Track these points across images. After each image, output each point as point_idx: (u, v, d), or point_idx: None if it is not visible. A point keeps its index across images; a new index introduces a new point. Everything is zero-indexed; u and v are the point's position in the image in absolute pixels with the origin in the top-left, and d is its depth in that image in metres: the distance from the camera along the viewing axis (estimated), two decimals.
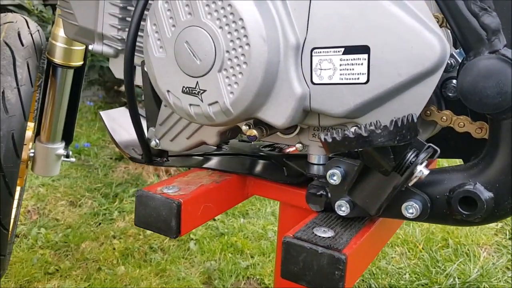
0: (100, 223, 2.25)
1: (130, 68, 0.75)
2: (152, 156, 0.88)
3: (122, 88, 3.00)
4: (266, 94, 0.63)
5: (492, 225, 2.25)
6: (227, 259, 1.91)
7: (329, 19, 0.60)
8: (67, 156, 1.46)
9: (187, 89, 0.65)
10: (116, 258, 1.96)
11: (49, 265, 1.87)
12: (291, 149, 0.98)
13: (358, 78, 0.60)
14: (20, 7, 3.45)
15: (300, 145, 0.78)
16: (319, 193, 0.67)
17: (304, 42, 0.62)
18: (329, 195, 0.65)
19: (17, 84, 1.17)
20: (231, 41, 0.61)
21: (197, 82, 0.64)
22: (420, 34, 0.57)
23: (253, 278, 1.79)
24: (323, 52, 0.61)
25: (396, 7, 0.58)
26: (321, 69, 0.62)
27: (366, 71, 0.60)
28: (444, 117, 0.65)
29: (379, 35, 0.58)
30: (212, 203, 0.77)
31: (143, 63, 0.86)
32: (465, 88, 0.55)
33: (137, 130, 0.82)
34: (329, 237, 0.61)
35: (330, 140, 0.48)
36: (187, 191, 0.74)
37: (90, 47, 0.91)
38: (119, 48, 0.89)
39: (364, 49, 0.59)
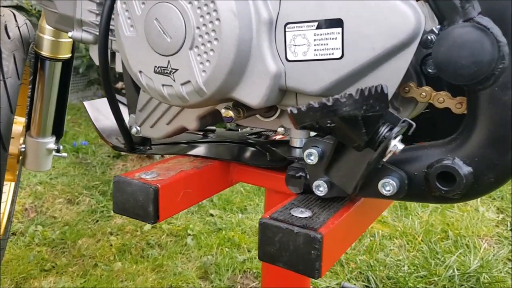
0: (97, 220, 2.25)
1: (105, 53, 0.73)
2: (134, 144, 0.87)
3: (118, 85, 2.99)
4: (239, 72, 0.61)
5: (493, 216, 2.23)
6: (224, 253, 1.90)
7: None
8: (58, 150, 1.45)
9: (159, 68, 0.64)
10: (113, 254, 1.95)
11: (45, 262, 1.87)
12: (277, 137, 0.96)
13: (333, 54, 0.59)
14: (19, 8, 3.45)
15: (282, 129, 0.76)
16: (298, 174, 0.65)
17: (277, 17, 0.60)
18: (308, 176, 0.64)
19: (3, 77, 1.16)
20: (201, 16, 0.59)
21: (169, 61, 0.63)
22: (394, 5, 0.55)
23: (249, 272, 1.77)
24: (296, 27, 0.60)
25: None
26: (295, 45, 0.60)
27: (340, 46, 0.58)
28: (424, 93, 0.63)
29: (352, 7, 0.57)
30: (193, 189, 0.76)
31: None
32: (439, 59, 0.53)
33: (117, 117, 0.81)
34: (305, 217, 0.59)
35: (295, 111, 0.46)
36: (165, 176, 0.72)
37: (69, 34, 0.90)
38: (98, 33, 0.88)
39: (337, 23, 0.57)
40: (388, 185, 0.57)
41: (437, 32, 0.67)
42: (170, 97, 0.65)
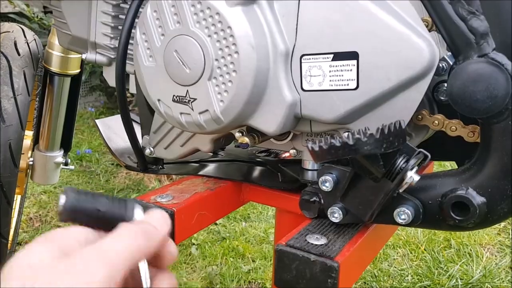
0: None
1: (122, 77, 0.75)
2: (147, 163, 0.88)
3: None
4: (256, 101, 0.62)
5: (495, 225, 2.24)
6: (229, 263, 1.91)
7: (317, 26, 0.60)
8: (66, 164, 1.46)
9: (178, 97, 0.65)
10: None
11: None
12: (286, 154, 0.98)
13: (348, 84, 0.60)
14: (21, 15, 3.46)
15: (294, 151, 0.77)
16: (312, 199, 0.67)
17: (293, 49, 0.62)
18: (322, 201, 0.65)
19: (14, 94, 1.17)
20: (220, 49, 0.61)
21: (187, 90, 0.64)
22: (408, 38, 0.57)
23: (254, 282, 1.78)
24: (312, 58, 0.61)
25: (384, 12, 0.58)
26: (311, 76, 0.61)
27: (355, 77, 0.59)
28: (436, 121, 0.64)
29: (367, 40, 0.58)
30: (207, 210, 0.77)
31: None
32: (454, 92, 0.54)
33: (131, 138, 0.82)
34: (321, 245, 0.60)
35: (317, 149, 0.47)
36: (180, 199, 0.74)
37: (83, 56, 0.91)
38: (112, 56, 0.89)
39: (352, 55, 0.59)
40: (403, 214, 0.59)
41: (448, 60, 0.69)
42: (188, 124, 0.66)
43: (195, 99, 0.64)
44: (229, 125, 0.64)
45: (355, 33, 0.58)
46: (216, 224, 2.29)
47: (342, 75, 0.60)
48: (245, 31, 0.59)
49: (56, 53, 1.30)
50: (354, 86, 0.60)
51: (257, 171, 0.86)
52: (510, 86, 0.52)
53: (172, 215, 0.70)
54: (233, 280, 1.78)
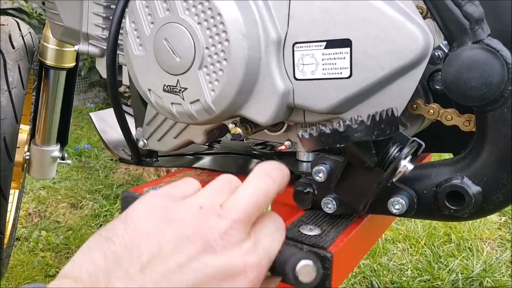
0: (101, 225, 2.25)
1: (112, 67, 0.74)
2: (141, 156, 0.87)
3: (120, 89, 2.99)
4: (248, 91, 0.61)
5: (495, 219, 2.23)
6: None
7: (309, 13, 0.59)
8: (63, 158, 1.46)
9: (168, 87, 0.64)
10: None
11: (49, 267, 1.87)
12: (282, 147, 0.97)
13: (341, 73, 0.59)
14: (20, 11, 3.45)
15: (289, 142, 0.76)
16: (306, 190, 0.65)
17: (285, 37, 0.61)
18: (316, 192, 0.64)
19: (8, 87, 1.16)
20: (210, 37, 0.60)
21: (178, 80, 0.63)
22: (403, 26, 0.56)
23: None
24: (304, 46, 0.60)
25: None
26: (303, 64, 0.60)
27: (348, 65, 0.58)
28: (431, 111, 0.63)
29: (361, 28, 0.57)
30: None
31: None
32: (448, 80, 0.53)
33: (124, 131, 0.81)
34: (315, 235, 0.59)
35: (307, 136, 0.46)
36: None
37: (76, 47, 0.90)
38: (105, 47, 0.88)
39: (345, 43, 0.58)
40: (397, 204, 0.58)
41: (444, 48, 0.68)
42: (179, 114, 0.65)
43: (185, 89, 0.63)
44: (221, 115, 0.63)
45: (348, 20, 0.57)
46: None
47: (335, 64, 0.59)
48: (236, 18, 0.58)
49: (51, 46, 1.29)
50: (348, 74, 0.59)
51: (252, 163, 0.85)
52: (505, 73, 0.51)
53: None
54: None
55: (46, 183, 2.52)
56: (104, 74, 0.94)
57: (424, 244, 1.99)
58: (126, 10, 0.68)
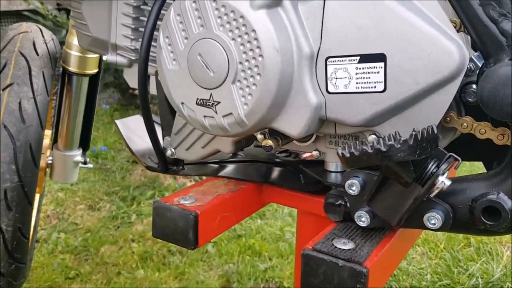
0: (118, 227, 2.27)
1: (144, 79, 0.75)
2: (168, 164, 0.88)
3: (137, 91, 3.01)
4: (280, 104, 0.62)
5: None
6: (245, 261, 1.91)
7: (343, 28, 0.59)
8: (85, 162, 1.47)
9: (201, 101, 0.65)
10: (135, 262, 1.97)
11: (69, 269, 1.89)
12: (306, 154, 0.97)
13: (375, 87, 0.59)
14: (35, 12, 3.48)
15: (317, 152, 0.77)
16: (337, 202, 0.66)
17: (318, 52, 0.61)
18: (348, 205, 0.64)
19: (33, 94, 1.17)
20: (244, 52, 0.60)
21: (211, 94, 0.64)
22: (438, 41, 0.56)
23: (272, 281, 1.78)
24: (338, 61, 0.60)
25: (413, 14, 0.57)
26: (336, 78, 0.61)
27: (383, 80, 0.58)
28: (465, 124, 0.63)
29: (396, 43, 0.57)
30: (230, 212, 0.77)
31: (157, 72, 0.85)
32: (485, 96, 0.53)
33: (152, 140, 0.82)
34: (349, 249, 0.60)
35: (348, 155, 0.47)
36: (203, 201, 0.73)
37: (104, 57, 0.91)
38: (133, 58, 0.89)
39: (380, 58, 0.58)
40: (433, 219, 0.58)
41: (476, 60, 0.67)
42: (211, 127, 0.66)
43: (219, 102, 0.63)
44: (253, 128, 0.64)
45: (382, 35, 0.57)
46: None
47: (369, 78, 0.59)
48: (270, 34, 0.59)
49: (74, 53, 1.30)
50: (382, 88, 0.59)
51: (278, 172, 0.85)
52: None
53: (196, 217, 0.70)
54: (250, 279, 1.78)
55: (64, 185, 2.55)
56: (131, 83, 0.95)
57: (444, 248, 1.97)
58: (159, 23, 0.69)
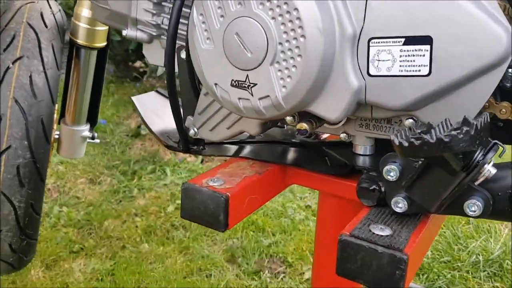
0: (120, 201, 2.26)
1: (172, 57, 0.72)
2: (189, 144, 0.87)
3: (135, 64, 2.97)
4: (320, 87, 0.60)
5: None
6: (249, 237, 1.92)
7: (388, 9, 0.57)
8: (93, 138, 1.45)
9: (236, 82, 0.63)
10: (139, 236, 1.98)
11: (73, 243, 1.89)
12: (326, 135, 0.95)
13: (419, 70, 0.58)
14: None
15: (345, 135, 0.75)
16: (371, 188, 0.65)
17: (360, 32, 0.59)
18: (384, 190, 0.64)
19: (44, 68, 1.14)
20: (285, 32, 0.58)
21: (247, 75, 0.62)
22: (486, 25, 0.54)
23: (276, 256, 1.80)
24: (381, 42, 0.58)
25: None
26: (379, 60, 0.59)
27: (428, 63, 0.57)
28: (504, 110, 0.62)
29: (443, 25, 0.55)
30: (257, 194, 0.76)
31: (179, 49, 0.83)
32: None
33: (177, 120, 0.80)
34: (387, 236, 0.59)
35: (406, 144, 0.45)
36: (232, 183, 0.72)
37: (124, 32, 0.88)
38: (154, 33, 0.86)
39: (426, 40, 0.56)
40: (473, 206, 0.57)
41: None
42: (245, 110, 0.64)
43: (255, 84, 0.62)
44: (289, 112, 0.62)
45: (430, 17, 0.56)
46: None
47: (414, 61, 0.57)
48: (313, 14, 0.57)
49: (83, 25, 1.26)
50: (426, 72, 0.57)
51: (302, 154, 0.84)
52: None
53: (227, 200, 0.69)
54: (254, 254, 1.79)
55: (64, 158, 2.52)
56: (151, 60, 0.92)
57: (443, 225, 2.00)
58: None
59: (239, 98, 0.64)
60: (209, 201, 0.69)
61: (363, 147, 0.75)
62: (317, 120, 0.67)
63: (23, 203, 1.13)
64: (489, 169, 0.52)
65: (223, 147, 0.88)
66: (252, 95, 0.62)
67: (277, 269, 1.73)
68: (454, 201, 0.57)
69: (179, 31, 0.80)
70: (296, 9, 0.57)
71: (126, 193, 2.34)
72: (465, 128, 0.44)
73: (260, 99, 0.62)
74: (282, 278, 1.67)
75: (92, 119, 1.45)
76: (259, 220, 2.02)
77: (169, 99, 0.78)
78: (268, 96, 0.61)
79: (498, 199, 0.58)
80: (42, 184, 1.17)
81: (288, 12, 0.57)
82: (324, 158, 0.81)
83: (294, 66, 0.59)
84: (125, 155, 2.68)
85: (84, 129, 1.43)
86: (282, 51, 0.59)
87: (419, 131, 0.49)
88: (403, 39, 0.57)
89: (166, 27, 0.85)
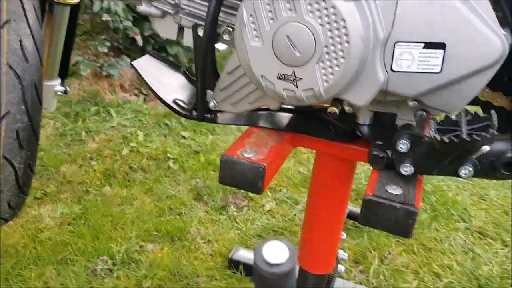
0: (70, 144, 2.27)
1: (209, 46, 0.80)
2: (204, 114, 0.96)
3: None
4: (355, 81, 0.73)
5: None
6: (211, 176, 2.06)
7: (413, 18, 0.70)
8: (66, 92, 1.47)
9: (283, 76, 0.74)
10: (99, 180, 2.03)
11: (35, 190, 1.91)
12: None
13: (433, 69, 0.73)
14: None
15: (350, 108, 0.90)
16: (382, 155, 0.82)
17: (388, 36, 0.72)
18: (393, 158, 0.80)
19: (31, 31, 1.13)
20: (331, 37, 0.70)
21: (294, 70, 0.73)
22: (488, 36, 0.70)
23: (239, 192, 1.96)
24: (404, 45, 0.72)
25: (469, 12, 0.69)
26: (401, 59, 0.73)
27: (440, 63, 0.72)
28: (485, 94, 0.80)
29: (455, 35, 0.70)
30: (280, 160, 0.89)
31: (194, 26, 0.90)
32: None
33: (202, 93, 0.89)
34: (401, 194, 0.77)
35: (447, 141, 0.61)
36: (263, 154, 0.85)
37: (138, 8, 0.93)
38: (170, 11, 0.92)
39: (441, 46, 0.71)
40: (465, 170, 0.76)
41: None
42: (288, 98, 0.76)
43: (300, 79, 0.73)
44: (326, 100, 0.75)
45: (445, 27, 0.70)
46: (185, 138, 2.39)
47: (429, 61, 0.72)
48: (357, 24, 0.68)
49: None
50: (438, 70, 0.72)
51: (311, 123, 0.96)
52: None
53: (264, 170, 0.82)
54: (218, 191, 1.95)
55: None
56: (163, 34, 0.98)
57: None
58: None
59: (284, 89, 0.75)
60: (247, 171, 0.82)
61: (365, 118, 0.91)
62: (341, 103, 0.80)
63: (22, 164, 1.17)
64: (486, 148, 0.70)
65: (234, 116, 0.98)
66: (296, 87, 0.74)
67: (241, 204, 1.91)
68: (450, 166, 0.76)
69: (193, 9, 0.87)
70: (343, 19, 0.68)
71: (74, 137, 2.34)
72: (491, 130, 0.60)
73: (304, 90, 0.74)
74: (246, 211, 1.86)
75: (63, 73, 1.45)
76: (217, 160, 2.16)
77: (199, 80, 0.86)
78: (312, 88, 0.73)
79: (483, 164, 0.77)
80: (37, 144, 1.20)
81: (336, 21, 0.68)
82: (329, 126, 0.96)
83: (337, 65, 0.71)
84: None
85: (56, 84, 1.44)
86: (327, 53, 0.71)
87: (449, 127, 0.65)
88: (423, 44, 0.71)
89: (183, 6, 0.90)
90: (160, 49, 2.84)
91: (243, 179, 0.83)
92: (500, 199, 2.08)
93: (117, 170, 2.09)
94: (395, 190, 0.78)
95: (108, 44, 2.56)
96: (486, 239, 1.84)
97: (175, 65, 1.15)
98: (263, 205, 1.90)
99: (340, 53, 0.70)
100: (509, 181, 2.17)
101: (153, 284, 1.48)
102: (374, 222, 0.77)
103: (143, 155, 2.21)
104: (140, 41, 2.64)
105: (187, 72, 1.14)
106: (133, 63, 1.09)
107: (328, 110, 0.79)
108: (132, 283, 1.49)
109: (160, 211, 1.84)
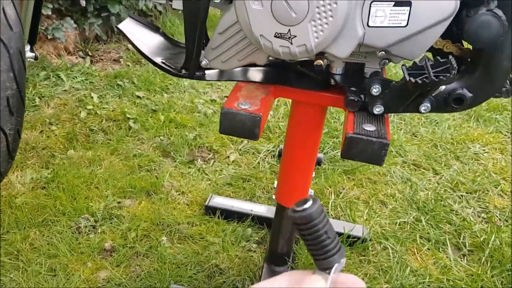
0: (25, 111, 2.25)
1: (206, 7, 0.90)
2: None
3: None
4: (339, 36, 0.87)
5: None
6: (174, 133, 2.15)
7: None
8: (36, 58, 1.49)
9: (279, 34, 0.86)
10: (62, 144, 2.06)
11: None
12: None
13: (400, 23, 0.88)
14: None
15: (325, 60, 1.04)
16: (356, 100, 0.97)
17: None
18: (366, 100, 0.97)
19: (14, 6, 1.16)
20: (323, 0, 0.83)
21: (289, 29, 0.85)
22: None
23: (203, 146, 2.08)
24: (379, 4, 0.87)
25: None
26: (376, 16, 0.88)
27: (406, 18, 0.88)
28: (437, 42, 0.97)
29: None
30: (269, 109, 1.02)
31: None
32: (471, 32, 0.87)
33: (196, 53, 1.00)
34: (375, 130, 0.94)
35: (420, 82, 0.77)
36: (257, 105, 0.98)
37: None
38: None
39: (407, 4, 0.86)
40: (424, 106, 0.94)
41: None
42: (283, 54, 0.89)
43: (295, 36, 0.86)
44: (315, 54, 0.89)
45: None
46: (139, 97, 2.45)
47: (398, 17, 0.87)
48: None
49: None
50: (405, 24, 0.88)
51: (291, 75, 1.09)
52: (501, 29, 0.87)
53: (260, 119, 0.95)
54: (183, 147, 2.05)
55: None
56: (175, 5, 1.06)
57: None
58: None
59: (280, 46, 0.88)
60: (246, 120, 0.95)
61: (338, 68, 1.06)
62: (327, 57, 0.94)
63: (12, 130, 1.22)
64: (442, 87, 0.88)
65: (222, 72, 1.10)
66: (291, 44, 0.87)
67: (207, 157, 2.03)
68: (412, 104, 0.93)
69: None
70: None
71: (28, 103, 2.32)
72: (453, 71, 0.77)
73: (297, 46, 0.87)
74: (213, 163, 1.99)
75: (32, 39, 1.47)
76: (177, 117, 2.25)
77: (195, 41, 0.96)
78: (304, 44, 0.87)
79: (438, 101, 0.95)
80: (24, 110, 1.25)
81: None
82: (307, 77, 1.09)
83: (326, 23, 0.84)
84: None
85: (27, 50, 1.46)
86: (318, 13, 0.84)
87: (417, 72, 0.81)
88: (393, 3, 0.86)
89: None
90: (101, 8, 2.81)
91: (242, 127, 0.96)
92: (429, 135, 2.35)
93: (79, 133, 2.13)
94: (370, 127, 0.95)
95: (50, 6, 2.50)
96: (420, 170, 2.10)
97: (154, 27, 1.23)
98: (228, 157, 2.04)
99: (330, 13, 0.83)
100: (434, 118, 2.45)
101: (138, 234, 1.59)
102: (353, 155, 0.94)
103: (101, 117, 2.25)
104: (83, 2, 2.60)
105: (165, 33, 1.23)
106: (120, 26, 1.16)
107: (315, 63, 0.93)
108: (118, 236, 1.59)
109: (130, 169, 1.92)
